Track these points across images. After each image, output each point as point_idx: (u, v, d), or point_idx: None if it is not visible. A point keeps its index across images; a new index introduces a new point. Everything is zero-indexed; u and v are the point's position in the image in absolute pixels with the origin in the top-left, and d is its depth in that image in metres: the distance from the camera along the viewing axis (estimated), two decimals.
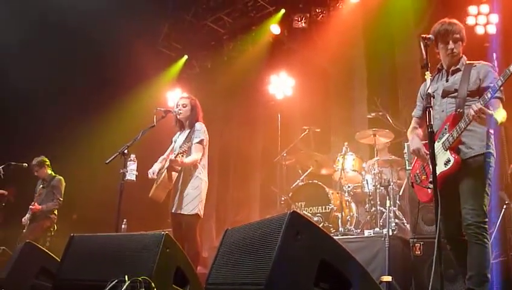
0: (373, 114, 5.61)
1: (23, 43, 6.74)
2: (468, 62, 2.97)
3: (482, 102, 2.66)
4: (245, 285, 2.01)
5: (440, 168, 2.77)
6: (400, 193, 5.09)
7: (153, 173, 3.91)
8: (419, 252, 3.83)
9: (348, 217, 5.14)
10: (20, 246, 3.80)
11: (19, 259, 3.65)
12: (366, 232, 4.66)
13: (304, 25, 6.93)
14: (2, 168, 5.62)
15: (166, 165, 3.85)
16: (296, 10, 7.04)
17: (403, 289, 3.82)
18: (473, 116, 2.64)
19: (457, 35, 2.92)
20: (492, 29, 5.37)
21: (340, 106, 6.94)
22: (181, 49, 8.46)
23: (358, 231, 5.00)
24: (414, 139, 3.09)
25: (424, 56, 2.71)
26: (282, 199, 5.50)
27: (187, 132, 4.01)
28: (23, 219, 5.72)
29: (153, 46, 8.25)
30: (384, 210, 4.76)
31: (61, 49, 6.96)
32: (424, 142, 3.05)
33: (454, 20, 2.98)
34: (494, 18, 5.38)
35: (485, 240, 2.72)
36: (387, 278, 3.73)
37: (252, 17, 7.60)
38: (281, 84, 7.02)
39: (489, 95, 2.66)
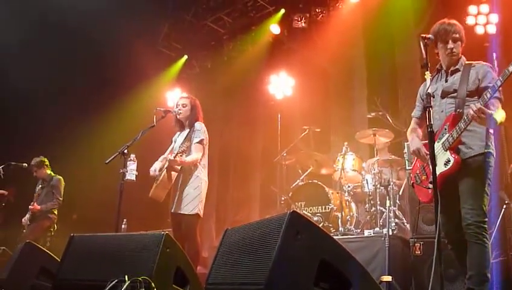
0: (373, 114, 5.62)
1: (23, 43, 6.74)
2: (467, 62, 2.97)
3: (481, 102, 2.67)
4: (245, 285, 2.01)
5: (440, 168, 2.78)
6: (400, 193, 5.09)
7: (155, 170, 3.91)
8: (419, 252, 3.83)
9: (348, 217, 5.15)
10: (20, 246, 3.80)
11: (19, 259, 3.65)
12: (366, 232, 4.67)
13: (303, 24, 6.93)
14: (2, 168, 5.62)
15: (165, 165, 3.85)
16: (296, 10, 7.04)
17: (403, 288, 3.82)
18: (472, 116, 2.64)
19: (457, 35, 2.93)
20: (492, 29, 5.36)
21: (340, 106, 6.94)
22: (181, 49, 8.46)
23: (358, 230, 5.00)
24: (414, 139, 3.09)
25: (424, 56, 2.71)
26: (282, 198, 5.50)
27: (187, 131, 4.01)
28: (23, 219, 5.72)
29: (153, 46, 8.25)
30: (384, 210, 4.76)
31: (61, 49, 6.96)
32: (424, 142, 3.05)
33: (454, 21, 2.98)
34: (494, 18, 5.38)
35: (485, 239, 2.72)
36: (387, 278, 3.73)
37: (251, 17, 7.60)
38: (281, 84, 7.02)
39: (488, 96, 2.66)
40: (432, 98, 2.81)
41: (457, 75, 2.95)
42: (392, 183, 4.94)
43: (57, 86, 7.06)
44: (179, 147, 3.81)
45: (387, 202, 4.60)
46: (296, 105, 7.01)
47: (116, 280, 2.35)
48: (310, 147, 6.18)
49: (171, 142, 4.19)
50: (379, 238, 4.19)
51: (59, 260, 3.02)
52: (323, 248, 2.00)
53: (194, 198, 3.81)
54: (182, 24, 8.23)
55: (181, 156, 3.72)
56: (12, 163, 5.75)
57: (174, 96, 7.61)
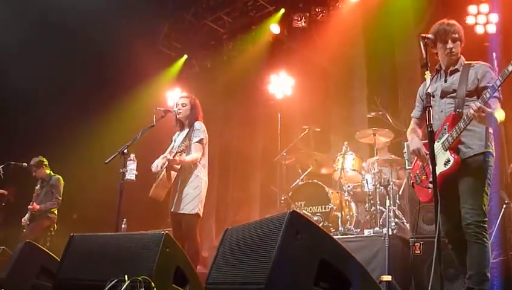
0: (373, 113, 5.62)
1: (23, 43, 6.74)
2: (466, 62, 2.98)
3: (480, 101, 2.67)
4: (245, 284, 2.01)
5: (440, 168, 2.78)
6: (400, 193, 5.09)
7: (157, 166, 3.91)
8: (419, 252, 3.83)
9: (348, 216, 5.15)
10: (20, 246, 3.80)
11: (19, 259, 3.66)
12: (366, 232, 4.67)
13: (303, 24, 6.93)
14: (2, 167, 5.63)
15: (165, 164, 3.85)
16: (296, 10, 7.04)
17: (403, 288, 3.82)
18: (472, 115, 2.64)
19: (456, 35, 2.93)
20: (492, 29, 5.36)
21: (340, 106, 6.94)
22: (181, 49, 8.47)
23: (358, 230, 5.00)
24: (414, 139, 3.10)
25: (424, 55, 2.71)
26: (282, 198, 5.50)
27: (186, 131, 4.01)
28: (22, 219, 5.72)
29: (153, 46, 8.25)
30: (384, 209, 4.76)
31: (61, 49, 6.96)
32: (423, 141, 3.05)
33: (453, 21, 2.99)
34: (494, 17, 5.38)
35: (485, 239, 2.72)
36: (387, 278, 3.73)
37: (251, 17, 7.60)
38: (281, 84, 7.02)
39: (487, 95, 2.66)
40: (432, 97, 2.81)
41: (457, 75, 2.95)
42: (391, 183, 4.94)
43: (57, 86, 7.06)
44: (178, 146, 3.81)
45: (387, 201, 4.59)
46: (296, 105, 7.01)
47: (116, 280, 2.35)
48: (310, 146, 6.18)
49: (171, 141, 4.19)
50: (379, 238, 4.19)
51: (59, 260, 3.02)
52: (323, 248, 2.00)
53: (194, 198, 3.81)
54: (181, 24, 8.23)
55: (180, 155, 3.72)
56: (12, 163, 5.75)
57: (174, 96, 7.61)
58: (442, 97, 2.97)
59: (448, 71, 3.00)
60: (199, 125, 3.98)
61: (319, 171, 5.82)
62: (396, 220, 4.77)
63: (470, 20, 5.41)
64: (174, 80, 8.39)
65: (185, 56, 8.43)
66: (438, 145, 2.86)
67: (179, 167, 3.86)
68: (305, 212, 5.12)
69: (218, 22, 7.94)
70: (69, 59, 7.07)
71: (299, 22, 6.94)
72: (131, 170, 3.78)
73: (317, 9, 6.92)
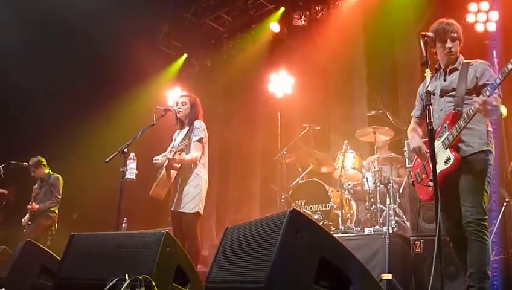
0: (373, 112, 5.61)
1: (23, 43, 6.73)
2: (465, 61, 2.98)
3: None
4: (245, 283, 2.01)
5: (440, 166, 2.78)
6: (400, 191, 5.09)
7: (157, 160, 3.91)
8: (419, 250, 3.84)
9: (348, 215, 5.15)
10: (21, 245, 3.81)
11: (20, 258, 3.66)
12: (366, 230, 4.67)
13: (303, 23, 6.92)
14: (2, 167, 5.63)
15: (165, 163, 3.85)
16: (296, 8, 7.03)
17: (403, 286, 3.82)
18: (477, 109, 2.63)
19: (455, 35, 2.94)
20: (492, 27, 5.35)
21: (340, 104, 6.94)
22: (181, 48, 8.46)
23: (359, 228, 5.00)
24: (414, 137, 3.11)
25: (424, 54, 2.71)
26: (282, 197, 5.50)
27: (186, 129, 4.01)
28: (23, 220, 5.72)
29: (153, 45, 8.25)
30: (384, 208, 4.76)
31: (61, 49, 6.95)
32: (424, 140, 3.05)
33: (452, 20, 2.99)
34: (494, 15, 5.37)
35: (485, 237, 2.73)
36: (388, 276, 3.73)
37: (251, 16, 7.59)
38: (281, 83, 7.02)
39: (487, 93, 2.67)
40: (432, 95, 2.81)
41: (456, 74, 2.96)
42: (392, 181, 4.94)
43: (57, 86, 7.06)
44: (178, 145, 3.81)
45: (388, 200, 4.59)
46: (296, 103, 7.01)
47: (116, 279, 2.35)
48: (310, 145, 6.17)
49: (171, 140, 4.19)
50: (379, 236, 4.19)
51: (60, 259, 3.02)
52: (323, 246, 2.01)
53: (194, 196, 3.81)
54: (181, 23, 8.22)
55: (180, 154, 3.72)
56: (13, 162, 5.76)
57: (174, 95, 7.61)
58: (441, 96, 2.97)
59: (448, 70, 3.00)
60: (199, 124, 3.97)
61: (319, 170, 5.82)
62: (396, 218, 4.77)
63: (470, 18, 5.41)
64: (174, 79, 8.39)
65: (185, 55, 8.42)
66: (438, 144, 2.87)
67: (178, 166, 3.86)
68: (306, 211, 5.12)
69: (218, 20, 7.94)
70: (69, 59, 7.07)
71: (299, 21, 6.93)
72: (131, 169, 3.78)
73: (317, 8, 6.91)
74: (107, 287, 2.34)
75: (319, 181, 5.26)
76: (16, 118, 7.31)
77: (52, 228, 5.77)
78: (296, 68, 7.07)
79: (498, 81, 2.64)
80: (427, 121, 2.63)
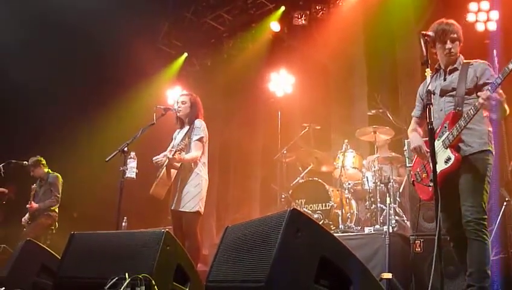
0: (373, 111, 5.61)
1: (23, 43, 6.73)
2: (465, 61, 2.99)
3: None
4: (245, 282, 2.01)
5: (440, 166, 2.79)
6: (400, 190, 5.09)
7: (157, 158, 3.91)
8: (419, 249, 3.84)
9: (348, 214, 5.15)
10: (21, 244, 3.81)
11: (20, 257, 3.66)
12: (367, 230, 4.67)
13: (303, 22, 6.92)
14: (3, 166, 5.63)
15: (165, 163, 3.86)
16: (296, 7, 7.03)
17: (403, 286, 3.82)
18: (481, 104, 2.63)
19: (455, 35, 2.94)
20: (492, 26, 5.35)
21: (340, 103, 6.94)
22: (181, 47, 8.46)
23: (359, 228, 5.00)
24: (415, 136, 3.11)
25: (425, 53, 2.71)
26: (283, 196, 5.50)
27: (186, 128, 4.01)
28: (23, 219, 5.72)
29: (153, 44, 8.25)
30: (384, 207, 4.76)
31: (61, 49, 6.95)
32: (424, 139, 3.05)
33: (452, 21, 2.99)
34: (495, 15, 5.37)
35: (485, 236, 2.73)
36: (388, 275, 3.73)
37: (251, 15, 7.59)
38: (281, 82, 7.01)
39: (490, 90, 2.66)
40: (432, 94, 2.81)
41: (456, 74, 2.97)
42: (392, 180, 4.94)
43: (57, 86, 7.06)
44: (178, 144, 3.81)
45: (388, 199, 4.59)
46: (296, 102, 7.01)
47: (116, 278, 2.35)
48: (310, 144, 6.17)
49: (171, 139, 4.19)
50: (379, 235, 4.19)
51: (60, 258, 3.02)
52: (323, 246, 2.01)
53: (194, 196, 3.81)
54: (182, 22, 8.22)
55: (180, 153, 3.72)
56: (13, 161, 5.76)
57: (174, 94, 7.60)
58: (441, 96, 2.98)
59: (448, 70, 3.01)
60: (199, 123, 3.97)
61: (319, 169, 5.82)
62: (396, 217, 4.77)
63: (470, 17, 5.41)
64: (174, 78, 8.39)
65: (185, 54, 8.42)
66: (438, 144, 2.87)
67: (178, 165, 3.86)
68: (306, 210, 5.12)
69: (218, 20, 7.93)
70: (69, 59, 7.07)
71: (299, 20, 6.93)
72: (131, 168, 3.78)
73: (317, 7, 6.91)
74: (107, 286, 2.34)
75: (319, 180, 5.26)
76: (16, 118, 7.31)
77: (53, 227, 5.76)
78: (296, 67, 7.06)
79: (499, 80, 2.64)
80: (427, 120, 2.63)
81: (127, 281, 2.30)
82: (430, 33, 2.88)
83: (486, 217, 2.77)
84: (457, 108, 2.86)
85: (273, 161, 6.12)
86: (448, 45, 2.93)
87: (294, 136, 6.07)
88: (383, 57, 6.49)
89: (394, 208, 4.82)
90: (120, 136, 4.17)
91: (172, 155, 3.73)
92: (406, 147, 4.51)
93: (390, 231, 4.19)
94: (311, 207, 5.18)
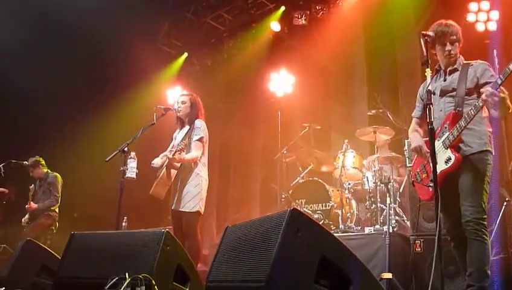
0: (373, 111, 5.61)
1: (23, 43, 6.73)
2: (465, 62, 2.99)
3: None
4: (246, 282, 2.01)
5: (441, 166, 2.79)
6: (400, 190, 5.09)
7: (156, 163, 3.91)
8: (419, 249, 3.83)
9: (349, 214, 5.15)
10: (21, 244, 3.81)
11: (20, 257, 3.66)
12: (367, 230, 4.67)
13: (304, 22, 6.93)
14: (3, 166, 5.62)
15: (165, 163, 3.86)
16: (296, 7, 7.03)
17: (404, 286, 3.82)
18: (484, 100, 2.63)
19: (454, 37, 2.95)
20: (492, 26, 5.35)
21: (340, 103, 6.94)
22: (181, 47, 8.46)
23: (359, 228, 5.00)
24: (415, 136, 3.12)
25: (425, 53, 2.71)
26: (283, 196, 5.50)
27: (186, 128, 4.01)
28: (22, 219, 5.71)
29: (153, 44, 8.26)
30: (384, 207, 4.76)
31: (61, 49, 6.95)
32: (425, 139, 3.05)
33: (451, 22, 2.99)
34: (495, 15, 5.37)
35: (484, 236, 2.73)
36: (388, 275, 3.73)
37: (252, 15, 7.59)
38: (281, 82, 7.01)
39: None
40: (432, 94, 2.81)
41: (456, 74, 2.97)
42: (392, 180, 4.94)
43: (57, 86, 7.06)
44: (178, 144, 3.81)
45: (388, 199, 4.59)
46: (296, 102, 7.01)
47: (116, 278, 2.35)
48: (310, 144, 6.17)
49: (172, 139, 4.19)
50: (379, 235, 4.19)
51: (60, 258, 3.02)
52: (323, 245, 2.01)
53: (194, 196, 3.81)
54: (182, 22, 8.23)
55: (180, 153, 3.72)
56: (13, 161, 5.76)
57: (174, 94, 7.60)
58: (441, 96, 2.98)
59: (448, 70, 3.01)
60: (199, 123, 3.97)
61: (319, 169, 5.82)
62: (396, 217, 4.77)
63: (470, 17, 5.41)
64: (175, 78, 8.39)
65: (185, 54, 8.42)
66: (438, 144, 2.87)
67: (179, 165, 3.86)
68: (306, 210, 5.12)
69: (219, 20, 7.94)
70: (69, 59, 7.07)
71: (300, 20, 6.94)
72: (131, 168, 3.78)
73: (317, 7, 6.92)
74: (108, 286, 2.34)
75: (319, 180, 5.26)
76: (15, 118, 7.31)
77: (53, 227, 5.76)
78: (297, 67, 7.07)
79: (499, 81, 2.64)
80: (428, 120, 2.63)
81: (127, 281, 2.30)
82: (430, 33, 2.88)
83: (485, 217, 2.77)
84: (458, 108, 2.87)
85: (273, 160, 6.12)
86: (448, 47, 2.94)
87: (294, 136, 6.07)
88: (383, 57, 6.49)
89: (394, 208, 4.82)
90: (120, 136, 4.17)
91: (173, 155, 3.73)
92: (406, 147, 4.51)
93: (391, 231, 4.19)
94: (311, 207, 5.18)
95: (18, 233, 5.60)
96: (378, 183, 4.96)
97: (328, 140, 6.80)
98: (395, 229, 4.50)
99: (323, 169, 5.84)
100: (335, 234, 2.62)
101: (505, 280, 3.50)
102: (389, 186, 4.87)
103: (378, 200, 4.91)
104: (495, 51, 4.60)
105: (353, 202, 5.27)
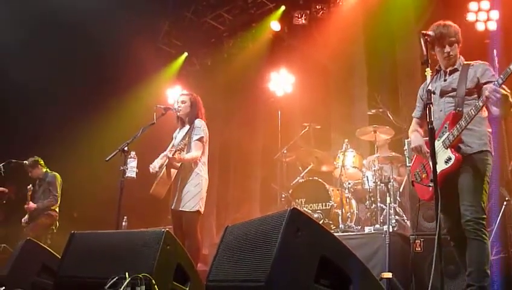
0: (373, 111, 5.61)
1: (23, 43, 6.73)
2: (465, 62, 2.99)
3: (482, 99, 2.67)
4: (246, 282, 2.01)
5: (441, 166, 2.79)
6: (400, 190, 5.09)
7: (154, 167, 3.91)
8: (419, 249, 3.84)
9: (349, 213, 5.15)
10: (21, 244, 3.81)
11: (20, 256, 3.67)
12: (367, 229, 4.67)
13: (304, 21, 6.93)
14: (3, 165, 5.62)
15: (165, 162, 3.86)
16: (296, 7, 7.03)
17: (403, 285, 3.82)
18: (487, 97, 2.63)
19: (453, 38, 2.95)
20: (492, 26, 5.35)
21: (340, 103, 6.94)
22: (181, 47, 8.46)
23: (359, 227, 5.00)
24: (416, 136, 3.12)
25: (425, 52, 2.71)
26: (283, 195, 5.50)
27: (187, 128, 4.02)
28: (22, 220, 5.72)
29: (153, 44, 8.26)
30: (384, 207, 4.76)
31: (61, 49, 6.95)
32: (425, 139, 3.05)
33: (450, 22, 2.99)
34: (495, 14, 5.37)
35: (484, 235, 2.73)
36: (388, 275, 3.73)
37: (252, 14, 7.59)
38: (281, 81, 7.01)
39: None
40: (433, 94, 2.81)
41: (456, 75, 2.98)
42: (392, 180, 4.94)
43: (57, 86, 7.05)
44: (178, 144, 3.82)
45: (388, 198, 4.59)
46: (296, 102, 7.01)
47: (116, 277, 2.35)
48: (310, 144, 6.17)
49: (172, 138, 4.19)
50: (379, 235, 4.19)
51: (60, 257, 3.02)
52: (323, 245, 2.01)
53: (194, 195, 3.82)
54: (182, 21, 8.22)
55: (180, 153, 3.72)
56: (13, 160, 5.75)
57: (174, 94, 7.60)
58: (441, 96, 2.98)
59: (448, 71, 3.02)
60: (199, 122, 3.97)
61: (319, 169, 5.82)
62: (396, 217, 4.77)
63: (470, 17, 5.40)
64: (175, 77, 8.39)
65: (185, 54, 8.42)
66: (438, 144, 2.87)
67: (179, 164, 3.86)
68: (306, 210, 5.12)
69: (219, 19, 7.94)
70: (69, 59, 7.06)
71: (300, 19, 6.93)
72: (131, 168, 3.78)
73: (317, 7, 6.91)
74: (108, 285, 2.34)
75: (319, 180, 5.26)
76: (16, 118, 7.30)
77: (53, 227, 5.76)
78: (297, 67, 7.07)
79: (500, 81, 2.64)
80: (428, 120, 2.63)
81: (127, 280, 2.30)
82: (430, 32, 2.88)
83: (485, 216, 2.77)
84: (458, 108, 2.87)
85: (273, 160, 6.12)
86: (447, 49, 2.94)
87: (294, 135, 6.07)
88: (383, 57, 6.49)
89: (394, 208, 4.83)
90: (120, 136, 4.17)
91: (173, 155, 3.73)
92: (406, 147, 4.51)
93: (391, 230, 4.19)
94: (311, 207, 5.18)
95: (18, 232, 5.60)
96: (378, 182, 4.96)
97: (328, 140, 6.80)
98: (395, 228, 4.50)
99: (323, 169, 5.84)
100: (335, 234, 2.62)
101: (505, 280, 3.50)
102: (389, 185, 4.87)
103: (378, 199, 4.91)
104: (495, 50, 4.60)
105: (353, 202, 5.27)
